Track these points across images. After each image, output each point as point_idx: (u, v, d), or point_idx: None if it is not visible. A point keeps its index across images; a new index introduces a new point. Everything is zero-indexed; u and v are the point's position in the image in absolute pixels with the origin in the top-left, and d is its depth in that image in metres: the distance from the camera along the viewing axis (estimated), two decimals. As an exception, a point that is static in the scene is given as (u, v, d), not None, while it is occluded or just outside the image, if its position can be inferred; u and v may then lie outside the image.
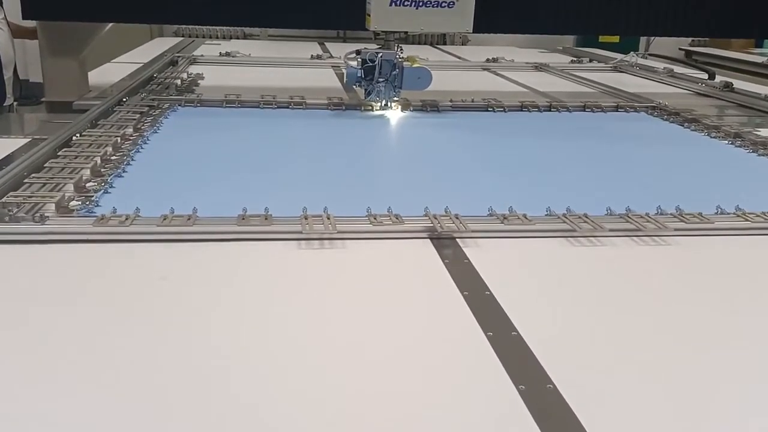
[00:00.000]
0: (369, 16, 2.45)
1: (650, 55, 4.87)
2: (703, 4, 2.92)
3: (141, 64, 3.60)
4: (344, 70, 2.66)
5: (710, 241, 1.48)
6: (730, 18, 2.99)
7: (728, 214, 1.57)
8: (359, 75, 2.54)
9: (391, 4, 2.40)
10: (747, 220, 1.54)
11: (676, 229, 1.48)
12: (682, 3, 2.89)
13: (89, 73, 2.93)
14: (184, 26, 5.55)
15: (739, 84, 3.49)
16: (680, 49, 6.31)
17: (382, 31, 2.52)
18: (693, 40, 6.48)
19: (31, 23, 2.97)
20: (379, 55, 2.49)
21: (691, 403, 0.92)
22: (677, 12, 2.91)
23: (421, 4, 2.42)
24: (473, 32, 2.53)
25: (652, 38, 5.95)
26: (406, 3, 2.41)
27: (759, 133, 2.38)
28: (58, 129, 2.07)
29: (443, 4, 2.43)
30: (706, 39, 6.34)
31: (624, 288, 1.27)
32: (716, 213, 1.57)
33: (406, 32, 2.51)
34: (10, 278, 1.21)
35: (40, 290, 1.17)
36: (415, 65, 2.56)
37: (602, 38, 5.86)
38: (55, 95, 2.69)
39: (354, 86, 2.64)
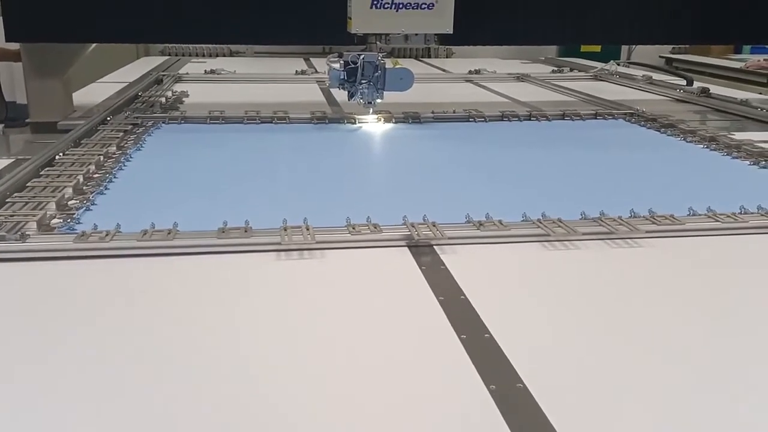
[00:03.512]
0: (350, 19, 2.49)
1: (630, 63, 4.94)
2: (683, 12, 2.97)
3: (126, 84, 3.63)
4: (327, 74, 2.69)
5: (682, 242, 1.51)
6: (710, 25, 3.04)
7: (699, 215, 1.61)
8: (342, 77, 2.58)
9: (371, 7, 2.45)
10: (717, 221, 1.58)
11: (647, 232, 1.51)
12: (662, 11, 2.94)
13: (75, 93, 2.95)
14: (170, 45, 5.59)
15: (718, 89, 3.55)
16: (660, 56, 6.40)
17: (367, 43, 2.56)
18: (673, 48, 6.58)
19: (14, 45, 2.99)
20: (361, 57, 2.53)
21: (661, 402, 0.94)
22: (658, 20, 2.96)
23: (401, 6, 2.46)
24: (454, 44, 2.57)
25: (633, 47, 6.04)
26: (386, 5, 2.46)
27: (733, 136, 2.43)
28: (41, 149, 2.09)
29: (423, 6, 2.48)
30: (687, 46, 6.43)
31: (595, 290, 1.30)
32: (688, 215, 1.61)
33: (387, 35, 2.54)
34: (-9, 295, 1.23)
35: (22, 306, 1.19)
36: (397, 66, 2.60)
37: (584, 48, 5.94)
38: (39, 116, 2.70)
39: (337, 88, 2.67)
